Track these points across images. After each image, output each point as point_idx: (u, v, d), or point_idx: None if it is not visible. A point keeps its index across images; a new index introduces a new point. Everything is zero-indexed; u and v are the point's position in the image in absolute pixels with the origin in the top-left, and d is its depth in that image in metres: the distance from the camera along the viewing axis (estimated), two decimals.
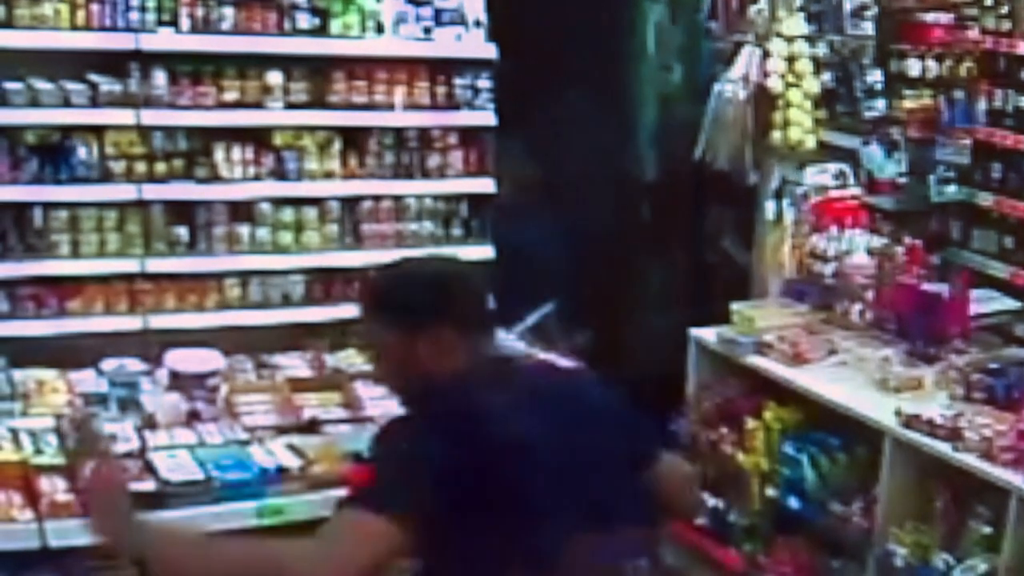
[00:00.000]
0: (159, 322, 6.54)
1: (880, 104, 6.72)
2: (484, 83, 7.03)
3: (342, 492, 4.90)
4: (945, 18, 6.69)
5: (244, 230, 6.75)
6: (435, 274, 3.71)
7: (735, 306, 6.17)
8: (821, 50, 6.61)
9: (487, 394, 3.40)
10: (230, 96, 6.61)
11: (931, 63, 6.69)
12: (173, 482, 4.70)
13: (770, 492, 5.77)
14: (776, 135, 6.47)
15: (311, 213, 6.86)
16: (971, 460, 4.92)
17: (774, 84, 6.41)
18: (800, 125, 6.46)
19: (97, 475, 3.75)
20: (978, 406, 5.21)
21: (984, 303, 6.09)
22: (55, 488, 4.64)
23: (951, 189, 6.68)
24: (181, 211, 6.65)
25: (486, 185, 7.13)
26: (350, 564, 3.19)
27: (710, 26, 7.76)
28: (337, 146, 6.88)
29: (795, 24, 6.46)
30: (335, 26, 6.75)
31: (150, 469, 4.78)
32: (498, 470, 3.24)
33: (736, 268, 7.65)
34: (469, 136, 7.12)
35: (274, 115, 6.72)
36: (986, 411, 5.14)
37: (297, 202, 6.84)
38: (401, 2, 6.88)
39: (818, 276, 6.16)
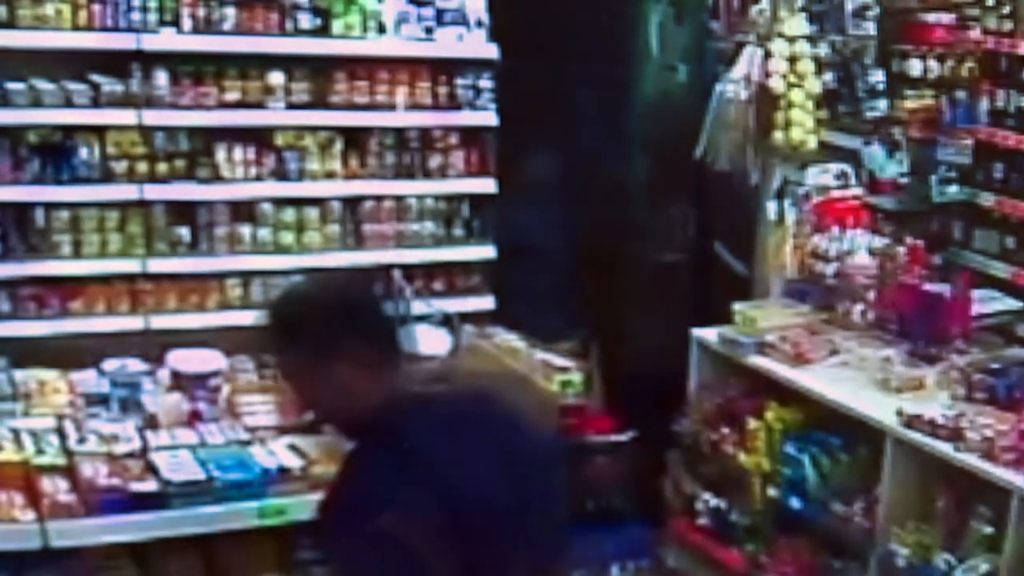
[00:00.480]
0: (161, 322, 6.54)
1: (882, 104, 6.73)
2: (486, 83, 7.04)
3: None
4: (947, 18, 6.70)
5: (246, 230, 6.75)
6: (337, 292, 3.59)
7: (737, 306, 6.17)
8: (823, 50, 6.61)
9: (428, 422, 3.29)
10: (232, 96, 6.61)
11: (933, 63, 6.69)
12: (175, 482, 4.70)
13: (772, 492, 5.76)
14: (778, 135, 6.47)
15: (312, 213, 6.87)
16: (973, 460, 4.92)
17: (776, 84, 6.41)
18: (802, 125, 6.46)
19: None
20: (979, 406, 5.21)
21: (986, 303, 6.08)
22: (57, 488, 4.64)
23: (953, 189, 6.68)
24: (183, 211, 6.65)
25: (487, 185, 7.13)
26: None
27: (712, 26, 7.76)
28: (338, 146, 6.88)
29: (797, 24, 6.46)
30: (337, 26, 6.76)
31: (152, 469, 4.78)
32: (453, 511, 3.14)
33: (728, 272, 7.67)
34: (470, 136, 7.12)
35: (276, 115, 6.72)
36: (988, 411, 5.13)
37: (298, 202, 6.84)
38: (403, 2, 6.89)
39: (820, 276, 6.16)
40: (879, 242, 6.17)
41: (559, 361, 5.62)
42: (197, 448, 5.01)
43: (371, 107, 6.88)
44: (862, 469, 5.48)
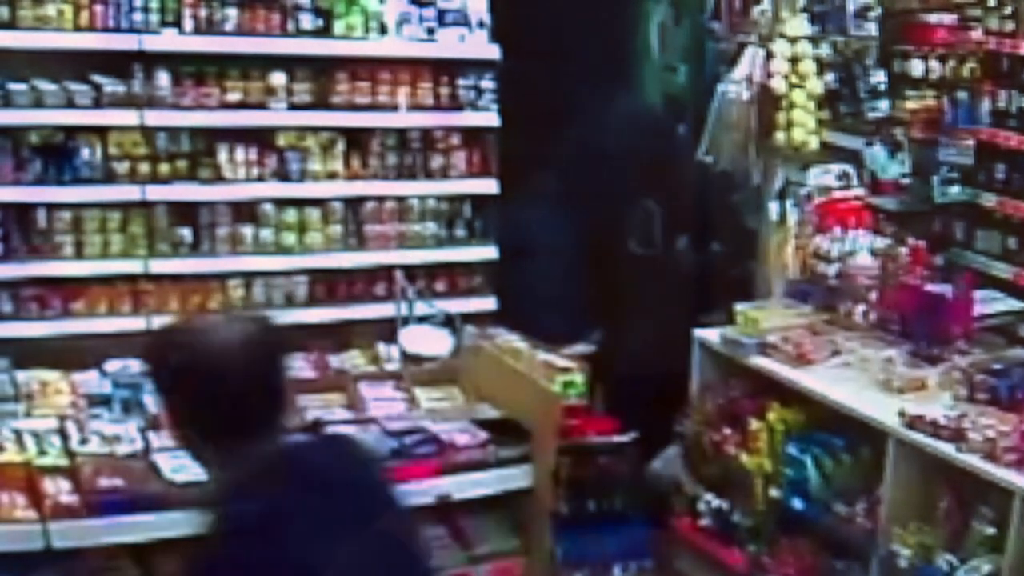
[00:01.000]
0: (162, 323, 6.53)
1: (883, 105, 6.72)
2: (487, 84, 7.04)
3: None
4: (948, 19, 6.69)
5: (247, 231, 6.76)
6: (213, 351, 3.13)
7: (739, 307, 6.17)
8: (824, 51, 6.61)
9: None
10: (233, 97, 6.62)
11: (934, 64, 6.68)
12: (177, 483, 4.70)
13: (774, 493, 5.76)
14: (779, 136, 6.46)
15: (314, 214, 6.87)
16: (975, 461, 4.91)
17: (777, 85, 6.41)
18: (803, 126, 6.45)
19: None
20: (982, 407, 5.20)
21: (988, 304, 6.08)
22: (59, 489, 4.65)
23: (954, 190, 6.67)
24: (184, 212, 6.66)
25: (489, 186, 7.13)
26: None
27: (713, 27, 7.77)
28: (340, 147, 6.88)
29: (798, 25, 6.45)
30: (338, 27, 6.76)
31: (154, 470, 4.78)
32: None
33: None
34: (472, 137, 7.13)
35: (277, 116, 6.73)
36: (990, 412, 5.13)
37: (300, 203, 6.85)
38: (404, 3, 6.89)
39: (822, 277, 6.16)
40: (881, 243, 6.17)
41: (561, 362, 5.61)
42: None
43: (373, 108, 6.88)
44: (864, 470, 5.48)
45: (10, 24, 6.19)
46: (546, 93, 7.55)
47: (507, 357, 5.71)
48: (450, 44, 6.97)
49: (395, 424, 5.41)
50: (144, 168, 6.52)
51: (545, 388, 5.43)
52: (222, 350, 3.11)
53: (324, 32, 6.74)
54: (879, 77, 6.72)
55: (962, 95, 6.58)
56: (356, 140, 6.93)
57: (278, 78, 6.69)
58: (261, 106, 6.69)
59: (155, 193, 6.54)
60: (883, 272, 5.96)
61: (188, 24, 6.48)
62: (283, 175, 6.78)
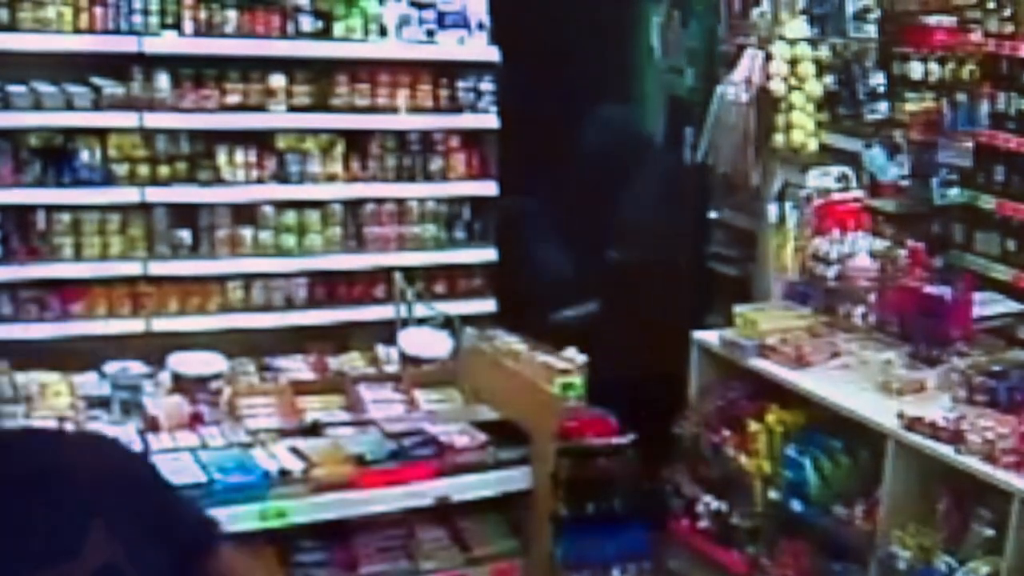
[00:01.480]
0: (162, 325, 6.55)
1: (882, 107, 6.71)
2: (487, 86, 7.05)
3: (344, 495, 4.98)
4: (948, 21, 6.68)
5: (247, 233, 6.76)
6: None
7: (738, 308, 6.17)
8: (823, 53, 6.60)
9: None
10: (233, 99, 6.63)
11: (934, 66, 6.67)
12: (176, 485, 4.70)
13: (772, 495, 5.76)
14: (778, 138, 6.47)
15: (314, 216, 6.88)
16: (973, 463, 4.91)
17: (776, 87, 6.41)
18: (802, 128, 6.45)
19: None
20: (980, 409, 5.20)
21: (987, 306, 6.08)
22: None
23: (954, 192, 6.66)
24: (184, 214, 6.66)
25: (489, 188, 7.14)
26: None
27: (717, 28, 7.76)
28: (340, 149, 6.89)
29: (797, 27, 6.46)
30: (338, 29, 6.77)
31: None
32: None
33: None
34: (472, 139, 7.13)
35: (277, 118, 6.73)
36: (988, 414, 5.13)
37: (300, 205, 6.86)
38: (404, 5, 6.90)
39: (821, 279, 6.16)
40: (880, 244, 6.17)
41: (560, 364, 5.62)
42: (198, 450, 5.02)
43: (372, 110, 6.89)
44: (863, 472, 5.48)
45: (10, 26, 6.20)
46: (546, 95, 7.56)
47: (506, 359, 5.72)
48: (450, 46, 6.97)
49: (394, 426, 5.41)
50: (143, 170, 6.52)
51: (544, 390, 5.44)
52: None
53: (324, 34, 6.75)
54: (878, 79, 6.70)
55: (961, 97, 6.58)
56: (356, 142, 6.94)
57: (278, 80, 6.70)
58: (260, 108, 6.69)
59: (154, 195, 6.54)
60: (882, 274, 5.96)
61: (188, 26, 6.49)
62: (282, 177, 6.79)
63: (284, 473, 4.91)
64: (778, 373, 5.80)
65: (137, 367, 5.64)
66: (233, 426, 5.34)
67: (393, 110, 6.93)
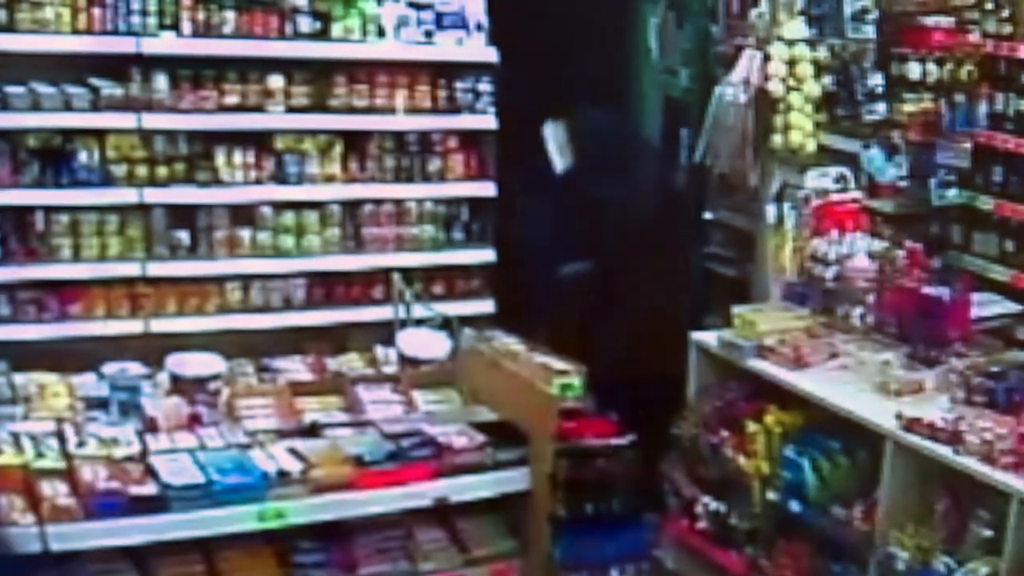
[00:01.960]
0: (160, 326, 6.55)
1: (881, 108, 6.70)
2: (485, 87, 7.05)
3: (343, 496, 4.97)
4: (946, 22, 6.67)
5: (245, 234, 6.77)
6: None
7: (736, 309, 6.17)
8: (822, 54, 6.60)
9: None
10: (231, 100, 6.63)
11: (932, 67, 6.67)
12: (174, 486, 4.70)
13: (771, 495, 5.76)
14: (777, 139, 6.47)
15: (312, 217, 6.88)
16: (972, 463, 4.91)
17: (775, 88, 6.41)
18: (801, 129, 6.45)
19: None
20: (979, 409, 5.20)
21: (985, 306, 6.08)
22: (56, 492, 4.64)
23: (952, 193, 6.66)
24: (182, 215, 6.67)
25: (487, 189, 7.14)
26: None
27: (711, 30, 7.76)
28: (338, 150, 6.90)
29: (796, 28, 6.46)
30: (336, 30, 6.77)
31: (151, 473, 4.78)
32: None
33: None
34: (470, 140, 7.14)
35: (275, 119, 6.74)
36: (987, 415, 5.12)
37: (298, 206, 6.86)
38: (402, 6, 6.90)
39: (819, 280, 6.15)
40: (878, 245, 6.17)
41: (558, 364, 5.61)
42: (196, 451, 5.02)
43: (371, 111, 6.90)
44: (861, 472, 5.48)
45: (8, 27, 6.20)
46: (544, 96, 7.55)
47: (504, 360, 5.71)
48: (448, 47, 6.98)
49: (393, 427, 5.41)
50: (142, 171, 6.53)
51: (542, 391, 5.43)
52: None
53: (322, 35, 6.75)
54: (876, 80, 6.70)
55: (959, 98, 6.57)
56: (354, 143, 6.94)
57: (276, 81, 6.70)
58: (259, 109, 6.70)
59: (153, 196, 6.55)
60: (880, 275, 5.96)
61: (186, 27, 6.50)
62: (281, 178, 6.79)
63: (283, 474, 4.90)
64: (776, 374, 5.80)
65: (135, 368, 5.63)
66: (232, 427, 5.33)
67: (391, 111, 6.93)
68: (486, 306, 7.13)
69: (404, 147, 7.03)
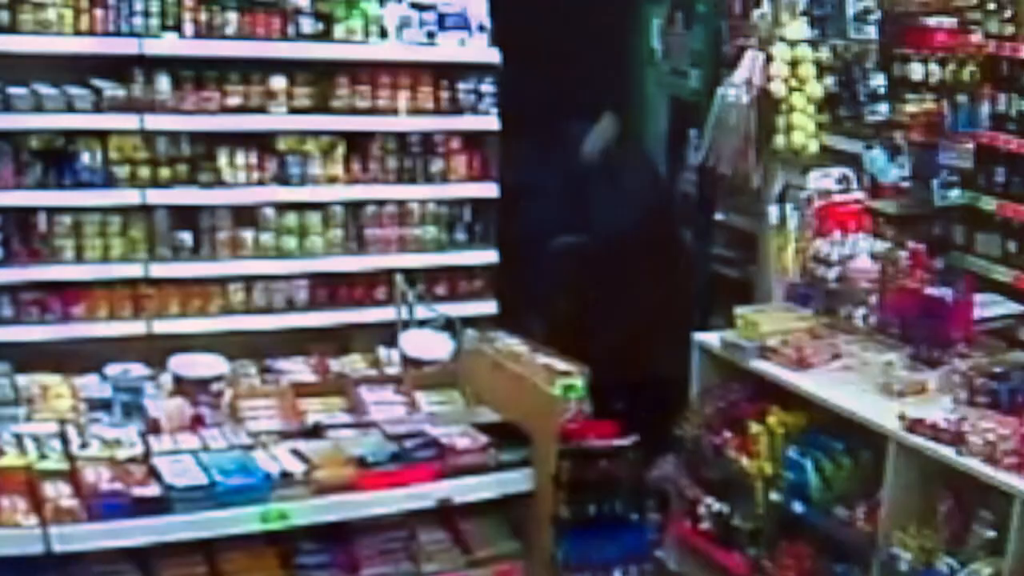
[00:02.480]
0: (163, 327, 6.55)
1: (883, 108, 6.71)
2: (487, 88, 7.05)
3: (346, 497, 4.97)
4: (948, 22, 6.69)
5: (248, 235, 6.77)
6: None
7: (739, 310, 6.17)
8: (824, 54, 6.61)
9: None
10: (234, 101, 6.63)
11: (934, 67, 6.68)
12: (177, 487, 4.70)
13: (774, 496, 5.76)
14: (779, 139, 6.46)
15: (315, 218, 6.88)
16: (975, 464, 4.91)
17: (777, 88, 6.41)
18: (803, 129, 6.45)
19: None
20: (982, 410, 5.20)
21: (988, 307, 6.08)
22: (59, 493, 4.64)
23: (954, 193, 6.68)
24: (185, 216, 6.67)
25: (489, 190, 7.14)
26: None
27: (721, 30, 7.77)
28: (341, 151, 6.90)
29: (798, 28, 6.46)
30: (339, 31, 6.77)
31: (154, 474, 4.78)
32: None
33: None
34: (472, 141, 7.13)
35: (278, 120, 6.74)
36: (990, 415, 5.13)
37: (301, 207, 6.86)
38: (405, 7, 6.90)
39: (822, 280, 6.16)
40: (881, 246, 6.18)
41: (561, 365, 5.61)
42: (199, 453, 5.01)
43: (373, 112, 6.90)
44: (864, 473, 5.48)
45: (10, 28, 6.20)
46: (546, 97, 7.57)
47: (507, 361, 5.71)
48: (450, 48, 6.98)
49: (395, 428, 5.40)
50: (144, 172, 6.53)
51: (545, 391, 5.43)
52: None
53: (324, 36, 6.75)
54: (879, 81, 6.70)
55: (962, 99, 6.59)
56: (356, 144, 6.94)
57: (278, 82, 6.70)
58: (261, 110, 6.70)
59: (155, 197, 6.55)
60: (883, 275, 5.96)
61: (188, 28, 6.50)
62: (283, 179, 6.79)
63: (285, 475, 4.90)
64: (779, 375, 5.80)
65: (138, 369, 5.63)
66: (234, 428, 5.33)
67: (394, 112, 6.93)
68: (489, 307, 7.13)
69: (406, 148, 7.03)
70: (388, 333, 6.48)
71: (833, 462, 5.56)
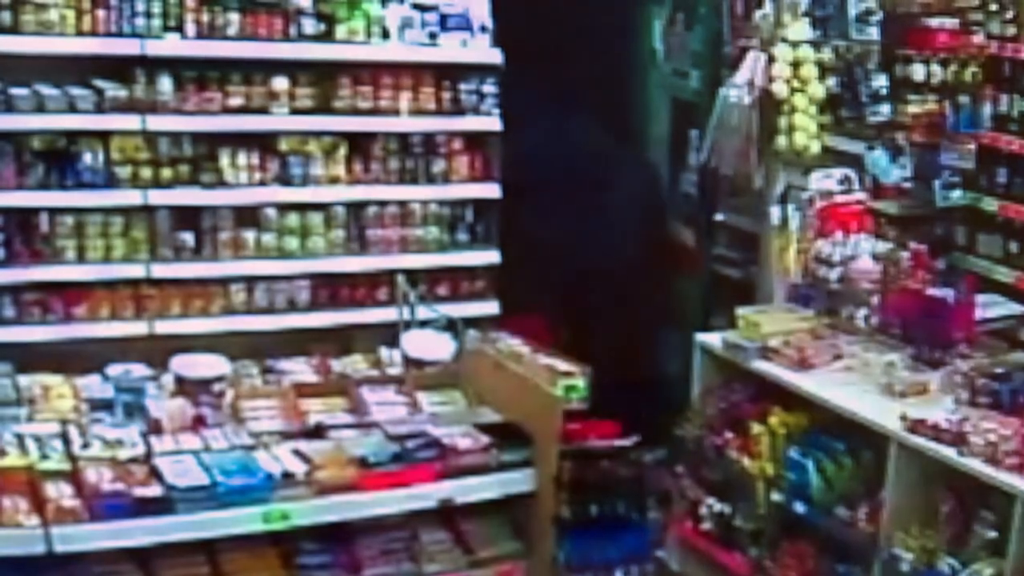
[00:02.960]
0: (165, 327, 6.56)
1: (885, 109, 6.71)
2: (489, 88, 7.05)
3: (347, 497, 4.97)
4: (950, 23, 6.68)
5: (250, 235, 6.77)
6: None
7: (741, 311, 6.17)
8: (826, 55, 6.60)
9: None
10: (235, 102, 6.63)
11: (936, 68, 6.68)
12: (179, 487, 4.71)
13: (776, 497, 5.76)
14: (781, 140, 6.46)
15: (316, 218, 6.88)
16: (976, 465, 4.92)
17: (779, 89, 6.41)
18: (805, 130, 6.45)
19: None
20: (983, 411, 5.20)
21: (989, 308, 6.08)
22: (61, 493, 4.65)
23: (956, 194, 6.67)
24: (187, 216, 6.67)
25: (491, 190, 7.14)
26: None
27: (722, 31, 7.76)
28: (342, 151, 6.90)
29: (800, 29, 6.46)
30: (340, 31, 6.77)
31: (156, 474, 4.79)
32: None
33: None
34: (474, 141, 7.14)
35: (280, 120, 6.74)
36: (991, 416, 5.13)
37: (303, 207, 6.86)
38: (407, 7, 6.90)
39: (823, 281, 6.16)
40: (883, 247, 6.18)
41: (563, 366, 5.61)
42: (201, 453, 5.02)
43: (375, 112, 6.90)
44: (866, 474, 5.48)
45: (13, 29, 6.20)
46: (548, 97, 7.57)
47: (509, 361, 5.71)
48: (452, 49, 6.98)
49: (397, 428, 5.41)
50: (146, 173, 6.53)
51: (547, 392, 5.43)
52: None
53: (326, 37, 6.75)
54: (881, 81, 6.70)
55: (964, 99, 6.58)
56: (358, 145, 6.94)
57: (280, 83, 6.70)
58: (263, 111, 6.70)
59: (157, 198, 6.55)
60: (885, 276, 5.96)
61: (190, 29, 6.50)
62: (285, 180, 6.80)
63: (287, 475, 4.91)
64: (781, 375, 5.81)
65: (140, 370, 5.63)
66: (236, 428, 5.33)
67: (395, 112, 6.93)
68: (490, 307, 7.13)
69: (408, 149, 7.03)
70: (390, 333, 6.49)
71: (835, 462, 5.56)
